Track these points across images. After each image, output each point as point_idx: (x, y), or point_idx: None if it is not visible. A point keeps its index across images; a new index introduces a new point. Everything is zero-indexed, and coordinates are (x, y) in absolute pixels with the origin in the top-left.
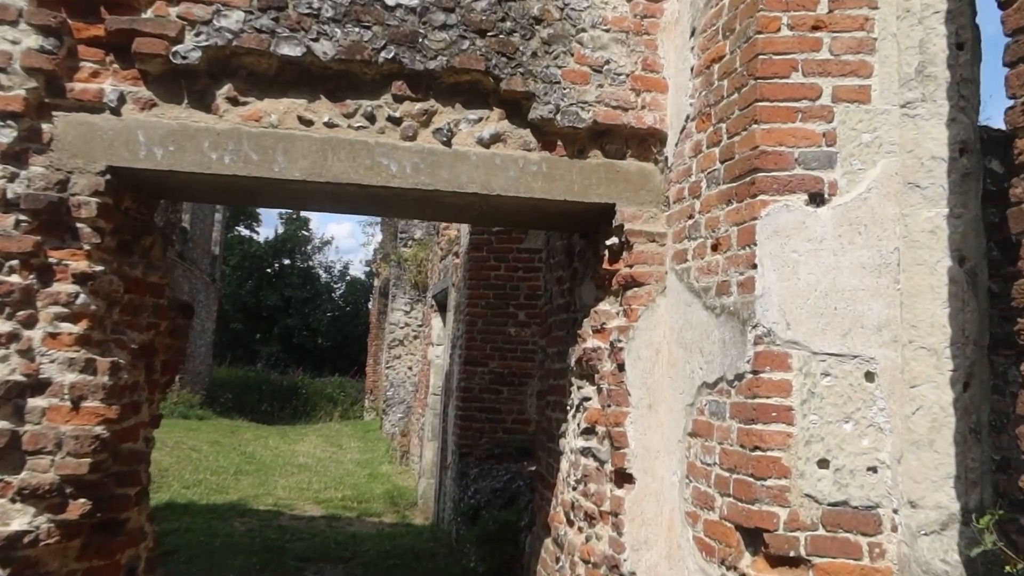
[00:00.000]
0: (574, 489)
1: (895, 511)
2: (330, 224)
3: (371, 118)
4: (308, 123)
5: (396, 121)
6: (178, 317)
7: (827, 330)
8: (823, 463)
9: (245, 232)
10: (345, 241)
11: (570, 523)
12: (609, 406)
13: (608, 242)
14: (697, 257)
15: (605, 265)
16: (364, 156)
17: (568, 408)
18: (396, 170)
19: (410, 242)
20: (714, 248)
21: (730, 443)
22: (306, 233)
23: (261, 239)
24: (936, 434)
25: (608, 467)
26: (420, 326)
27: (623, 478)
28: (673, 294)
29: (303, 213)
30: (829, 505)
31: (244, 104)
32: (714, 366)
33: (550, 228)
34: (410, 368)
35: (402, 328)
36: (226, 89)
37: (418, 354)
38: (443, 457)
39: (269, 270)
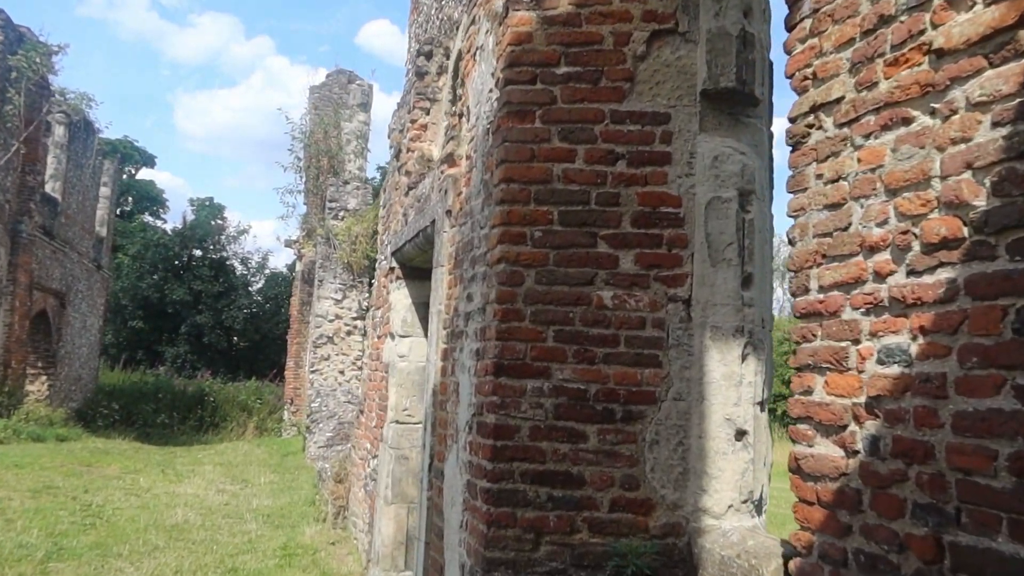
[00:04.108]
0: None
1: None
2: (252, 222)
3: None
4: None
5: None
6: None
7: None
8: None
9: (149, 219)
10: (267, 240)
11: None
12: None
13: None
14: None
15: None
16: None
17: None
18: None
19: (342, 213)
20: None
21: None
22: (220, 221)
23: (168, 227)
24: None
25: None
26: (356, 318)
27: None
28: None
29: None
30: None
31: None
32: None
33: None
34: (342, 372)
35: (331, 321)
36: None
37: (352, 353)
38: (434, 566)
39: (177, 262)
